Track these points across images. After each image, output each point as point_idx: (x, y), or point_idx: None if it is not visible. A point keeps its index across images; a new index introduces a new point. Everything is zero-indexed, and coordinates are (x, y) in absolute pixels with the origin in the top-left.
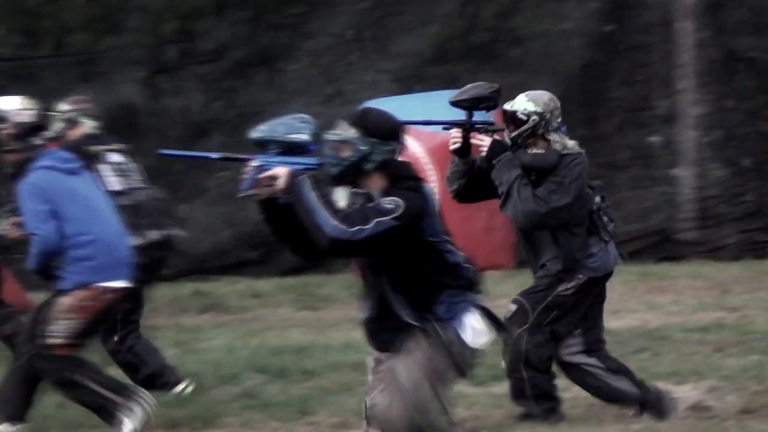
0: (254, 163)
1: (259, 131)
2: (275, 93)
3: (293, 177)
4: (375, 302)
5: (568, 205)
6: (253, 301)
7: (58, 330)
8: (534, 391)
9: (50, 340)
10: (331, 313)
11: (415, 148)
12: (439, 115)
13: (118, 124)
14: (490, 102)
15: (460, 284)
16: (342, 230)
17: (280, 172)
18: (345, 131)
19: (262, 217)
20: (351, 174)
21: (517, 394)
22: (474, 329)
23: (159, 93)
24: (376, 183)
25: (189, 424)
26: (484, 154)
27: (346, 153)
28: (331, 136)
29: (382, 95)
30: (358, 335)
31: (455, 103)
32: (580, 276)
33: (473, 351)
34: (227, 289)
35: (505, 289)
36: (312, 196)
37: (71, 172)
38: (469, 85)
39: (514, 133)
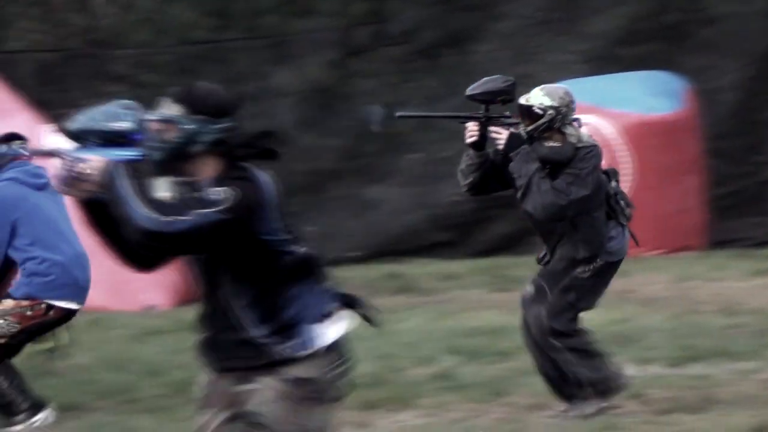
0: (67, 158)
1: (76, 121)
2: (465, 75)
3: (109, 169)
4: (212, 313)
5: (587, 197)
6: (445, 283)
7: None
8: (574, 356)
9: None
10: None
11: (606, 129)
12: (631, 96)
13: (309, 106)
14: (506, 95)
15: (304, 280)
16: (153, 220)
17: (95, 165)
18: (167, 109)
19: (85, 220)
20: (177, 158)
21: (564, 365)
22: (332, 324)
23: (350, 75)
24: (208, 169)
25: (384, 405)
26: (500, 147)
27: (171, 134)
28: (152, 116)
29: (571, 76)
30: None
31: (471, 97)
32: (599, 260)
33: (334, 356)
34: (420, 270)
35: (698, 271)
36: (125, 185)
37: (38, 188)
38: (485, 79)
39: (530, 127)
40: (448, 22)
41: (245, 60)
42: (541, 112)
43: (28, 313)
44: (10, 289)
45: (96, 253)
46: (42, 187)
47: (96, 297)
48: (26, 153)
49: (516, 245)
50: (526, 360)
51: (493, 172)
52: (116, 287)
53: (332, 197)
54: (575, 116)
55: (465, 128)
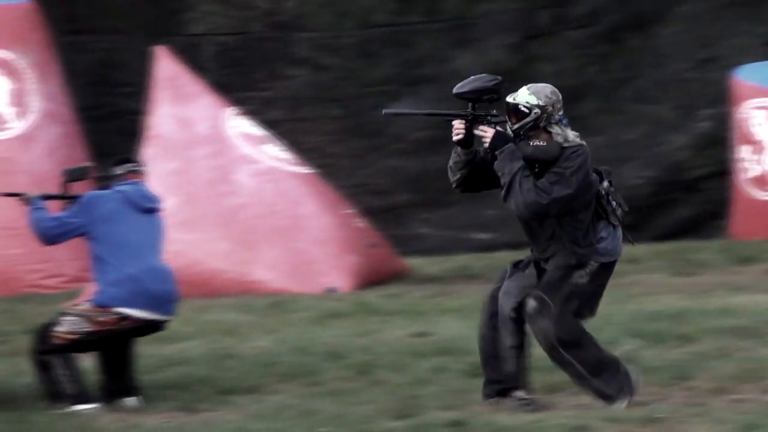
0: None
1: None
2: (648, 58)
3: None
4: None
5: (570, 196)
6: (627, 267)
7: (65, 322)
8: (588, 368)
9: (56, 326)
10: (706, 279)
11: None
12: None
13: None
14: (492, 94)
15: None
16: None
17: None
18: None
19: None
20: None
21: (576, 379)
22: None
23: (530, 59)
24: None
25: (567, 389)
26: (486, 145)
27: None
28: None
29: (755, 60)
30: (736, 301)
31: (458, 95)
32: (592, 262)
33: None
34: None
35: None
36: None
37: (141, 210)
38: (471, 77)
39: (516, 126)
40: (631, 4)
41: (426, 43)
42: (527, 110)
43: (100, 318)
44: (91, 294)
45: (274, 237)
46: (147, 210)
47: (276, 280)
48: (141, 172)
49: (699, 229)
50: (709, 344)
51: (482, 170)
52: (297, 270)
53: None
54: (562, 116)
55: (452, 126)
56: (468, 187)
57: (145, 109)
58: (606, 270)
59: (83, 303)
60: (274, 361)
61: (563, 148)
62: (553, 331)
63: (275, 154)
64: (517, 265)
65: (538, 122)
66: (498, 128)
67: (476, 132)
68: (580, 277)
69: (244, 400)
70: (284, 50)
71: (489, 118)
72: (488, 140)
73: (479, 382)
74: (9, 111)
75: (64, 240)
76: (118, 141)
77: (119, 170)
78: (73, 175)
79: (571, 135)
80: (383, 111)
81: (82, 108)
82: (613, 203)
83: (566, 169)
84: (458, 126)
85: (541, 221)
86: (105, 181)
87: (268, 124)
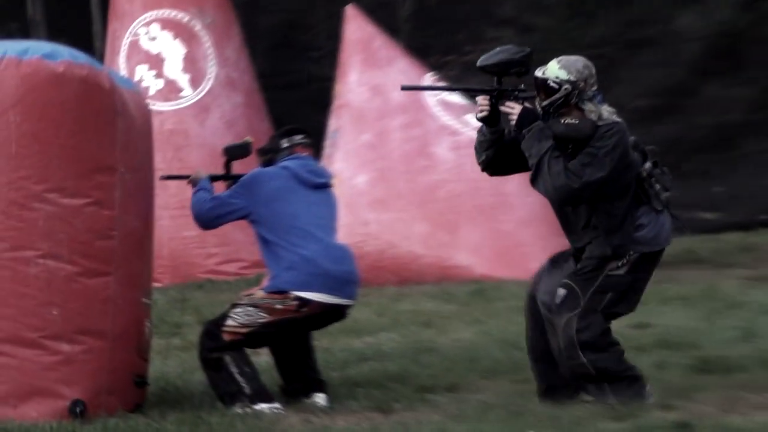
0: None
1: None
2: None
3: (524, 114)
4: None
5: (603, 179)
6: None
7: (238, 314)
8: (600, 375)
9: (226, 321)
10: None
11: None
12: None
13: (716, 53)
14: (520, 67)
15: None
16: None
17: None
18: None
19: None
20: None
21: (582, 381)
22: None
23: (762, 18)
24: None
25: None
26: (513, 123)
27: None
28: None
29: None
30: None
31: (482, 68)
32: (632, 252)
33: None
34: None
35: None
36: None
37: (311, 185)
38: (497, 49)
39: (545, 102)
40: None
41: (645, 2)
42: (556, 86)
43: (278, 306)
44: (265, 282)
45: (479, 217)
46: (317, 186)
47: (479, 264)
48: (307, 145)
49: None
50: None
51: (510, 150)
52: (501, 254)
53: (742, 154)
54: (596, 91)
55: (477, 103)
56: (496, 170)
57: (334, 76)
58: (648, 261)
59: (257, 292)
60: (478, 356)
61: (597, 127)
62: (575, 325)
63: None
64: (556, 261)
65: (569, 99)
66: (526, 104)
67: (502, 109)
68: (616, 269)
69: (444, 400)
70: (488, 9)
71: (516, 93)
72: (515, 118)
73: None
74: (183, 78)
75: (223, 222)
76: (304, 111)
77: (285, 143)
78: (234, 153)
79: (606, 112)
80: (401, 86)
81: (263, 75)
82: (657, 186)
83: (600, 149)
84: (482, 102)
85: (574, 207)
86: (270, 156)
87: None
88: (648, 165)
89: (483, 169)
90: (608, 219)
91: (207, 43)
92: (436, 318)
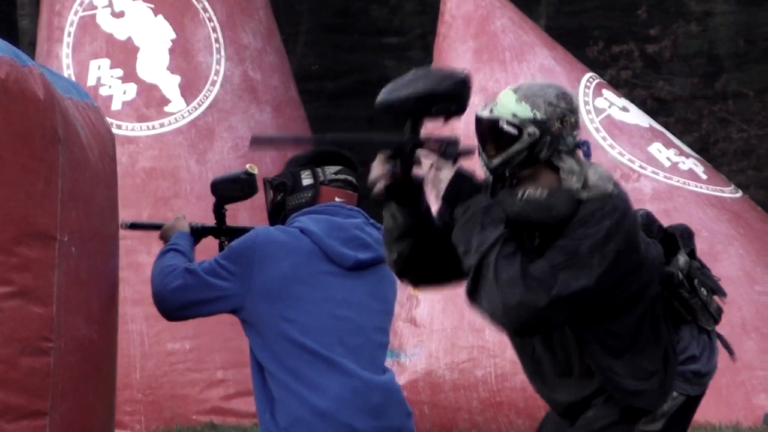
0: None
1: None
2: None
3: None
4: None
5: (587, 291)
6: None
7: None
8: None
9: None
10: None
11: None
12: None
13: None
14: (450, 103)
15: None
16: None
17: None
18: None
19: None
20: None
21: None
22: None
23: None
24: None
25: None
26: (439, 196)
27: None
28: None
29: None
30: None
31: (386, 107)
32: (675, 394)
33: None
34: None
35: None
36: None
37: (341, 264)
38: (410, 73)
39: (496, 160)
40: None
41: None
42: (514, 130)
43: None
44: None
45: None
46: (359, 266)
47: None
48: (350, 186)
49: None
50: None
51: (439, 243)
52: None
53: None
54: (578, 139)
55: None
56: (420, 275)
57: None
58: (692, 406)
59: None
60: None
61: (579, 202)
62: None
63: None
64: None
65: (536, 151)
66: (459, 167)
67: (419, 171)
68: (652, 422)
69: None
70: None
71: (444, 147)
72: (442, 188)
73: None
74: (169, 82)
75: (194, 314)
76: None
77: (308, 178)
78: (226, 191)
79: (597, 174)
80: (251, 137)
81: (306, 75)
82: (703, 292)
83: (583, 241)
84: (381, 166)
85: (545, 337)
86: (280, 199)
87: None
88: (683, 260)
89: (397, 273)
90: (607, 352)
91: (211, 22)
92: None
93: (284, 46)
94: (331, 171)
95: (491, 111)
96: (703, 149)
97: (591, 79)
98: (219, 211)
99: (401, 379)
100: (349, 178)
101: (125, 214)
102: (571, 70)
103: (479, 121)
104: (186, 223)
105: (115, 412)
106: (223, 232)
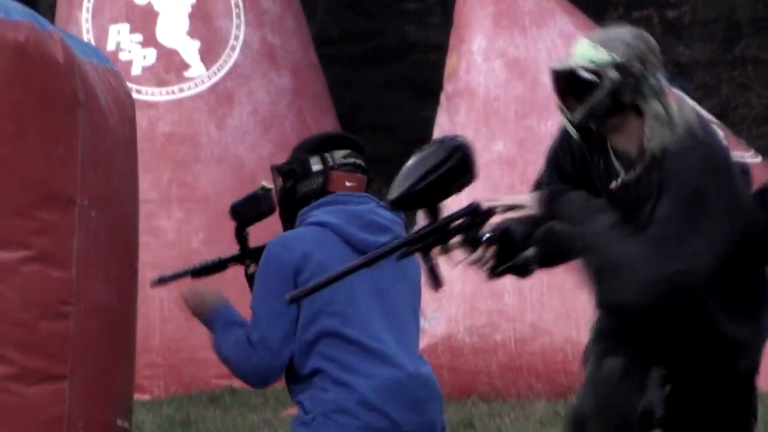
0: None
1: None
2: None
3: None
4: None
5: (704, 252)
6: None
7: None
8: None
9: None
10: None
11: None
12: None
13: None
14: (452, 181)
15: None
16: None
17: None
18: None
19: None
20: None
21: None
22: None
23: None
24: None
25: None
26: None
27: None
28: None
29: None
30: None
31: (397, 203)
32: None
33: None
34: None
35: None
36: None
37: (361, 246)
38: (411, 162)
39: (579, 113)
40: None
41: None
42: (593, 77)
43: None
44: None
45: None
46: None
47: None
48: (360, 170)
49: None
50: None
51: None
52: None
53: None
54: (664, 76)
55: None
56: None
57: (445, 43)
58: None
59: None
60: None
61: (667, 153)
62: None
63: None
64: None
65: (620, 96)
66: (488, 237)
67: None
68: None
69: None
70: None
71: (469, 228)
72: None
73: None
74: (189, 48)
75: (289, 350)
76: (394, 102)
77: (317, 164)
78: (245, 212)
79: (692, 114)
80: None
81: (326, 41)
82: None
83: (685, 197)
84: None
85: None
86: (290, 188)
87: None
88: None
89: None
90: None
91: None
92: None
93: (303, 11)
94: (339, 155)
95: (564, 63)
96: (722, 114)
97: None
98: (241, 235)
99: (421, 344)
100: (358, 161)
101: (145, 179)
102: (578, 27)
103: (556, 74)
104: (215, 289)
105: (135, 376)
106: (248, 255)
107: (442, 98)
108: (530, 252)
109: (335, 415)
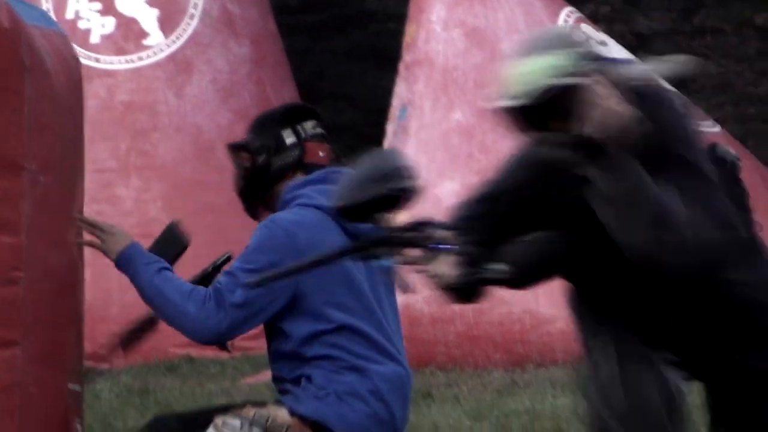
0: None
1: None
2: None
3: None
4: None
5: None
6: None
7: None
8: None
9: None
10: None
11: None
12: None
13: None
14: (394, 196)
15: None
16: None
17: None
18: None
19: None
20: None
21: None
22: None
23: None
24: None
25: None
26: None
27: None
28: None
29: None
30: None
31: (343, 212)
32: None
33: None
34: None
35: None
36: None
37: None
38: (365, 166)
39: (575, 131)
40: None
41: None
42: (574, 79)
43: None
44: (289, 399)
45: None
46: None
47: None
48: (324, 140)
49: None
50: None
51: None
52: None
53: None
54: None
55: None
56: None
57: (404, 12)
58: None
59: (277, 411)
60: None
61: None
62: None
63: None
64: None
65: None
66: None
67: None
68: None
69: None
70: None
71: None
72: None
73: None
74: (147, 15)
75: (238, 333)
76: (352, 71)
77: (291, 137)
78: (166, 248)
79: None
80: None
81: (284, 8)
82: None
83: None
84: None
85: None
86: (267, 162)
87: None
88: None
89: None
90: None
91: None
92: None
93: None
94: (309, 126)
95: (519, 90)
96: (680, 84)
97: (570, 14)
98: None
99: None
100: (323, 131)
101: (104, 147)
102: (550, 5)
103: (521, 110)
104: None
105: (92, 345)
106: (214, 272)
107: (401, 67)
108: (502, 266)
109: (349, 398)
